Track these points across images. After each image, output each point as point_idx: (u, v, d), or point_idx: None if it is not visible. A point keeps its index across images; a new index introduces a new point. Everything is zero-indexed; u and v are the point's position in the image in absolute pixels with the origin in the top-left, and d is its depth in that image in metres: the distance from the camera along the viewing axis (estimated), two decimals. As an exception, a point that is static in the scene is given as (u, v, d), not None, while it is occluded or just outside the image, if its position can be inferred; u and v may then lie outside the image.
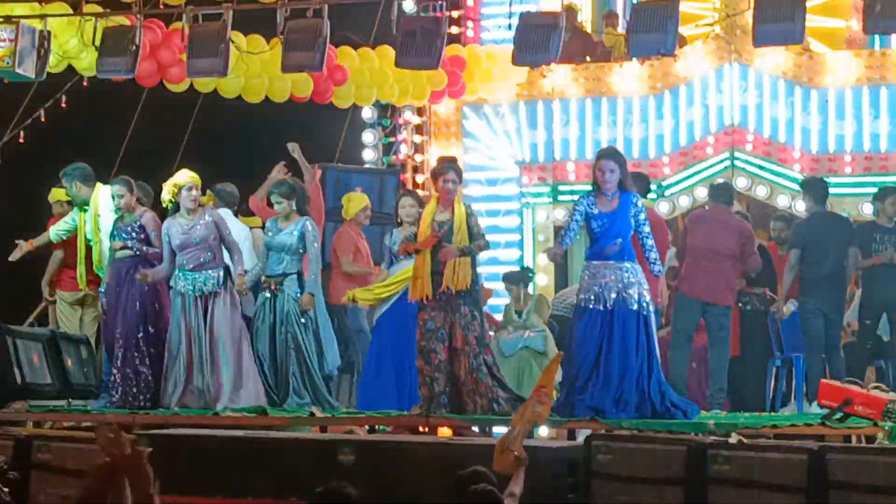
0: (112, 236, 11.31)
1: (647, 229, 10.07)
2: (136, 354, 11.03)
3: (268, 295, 11.33)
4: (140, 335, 11.06)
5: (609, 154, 10.22)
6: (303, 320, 11.24)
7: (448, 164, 10.61)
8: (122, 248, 11.16)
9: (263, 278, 11.38)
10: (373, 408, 10.90)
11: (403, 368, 11.05)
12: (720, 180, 13.53)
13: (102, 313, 11.66)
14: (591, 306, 9.94)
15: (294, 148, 12.97)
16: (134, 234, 11.19)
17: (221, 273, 11.02)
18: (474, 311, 10.23)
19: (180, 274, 10.99)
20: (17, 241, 12.26)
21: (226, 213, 11.98)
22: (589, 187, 10.27)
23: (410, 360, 10.71)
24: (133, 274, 11.08)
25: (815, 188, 12.04)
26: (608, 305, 9.88)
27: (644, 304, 9.90)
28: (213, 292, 10.97)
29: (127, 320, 11.08)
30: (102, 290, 11.60)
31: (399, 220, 11.20)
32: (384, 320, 11.37)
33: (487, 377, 10.16)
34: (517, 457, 6.92)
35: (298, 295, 11.24)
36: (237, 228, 12.17)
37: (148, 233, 11.21)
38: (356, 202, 13.10)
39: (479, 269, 10.84)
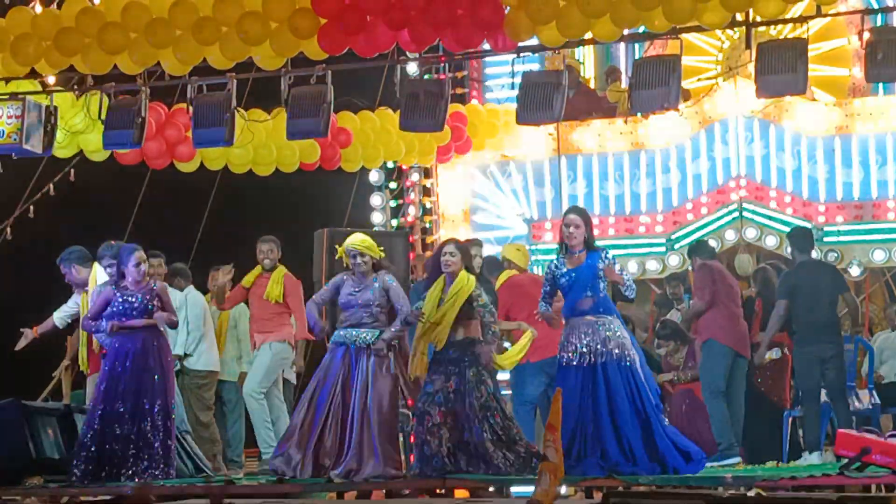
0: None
1: (626, 275, 10.12)
2: (169, 425, 10.85)
3: None
4: (166, 404, 10.87)
5: (575, 210, 10.38)
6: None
7: (447, 241, 10.59)
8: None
9: None
10: None
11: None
12: (691, 239, 13.64)
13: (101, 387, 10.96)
14: (571, 364, 9.95)
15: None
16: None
17: (376, 335, 10.47)
18: (482, 373, 10.22)
19: (340, 331, 10.57)
20: (21, 330, 12.11)
21: (189, 290, 12.22)
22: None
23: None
24: (149, 344, 10.86)
25: (799, 238, 12.09)
26: (588, 362, 9.90)
27: (626, 355, 9.89)
28: (366, 347, 10.42)
29: (158, 391, 10.84)
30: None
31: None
32: None
33: (493, 441, 10.06)
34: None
35: None
36: (193, 300, 12.31)
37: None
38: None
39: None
